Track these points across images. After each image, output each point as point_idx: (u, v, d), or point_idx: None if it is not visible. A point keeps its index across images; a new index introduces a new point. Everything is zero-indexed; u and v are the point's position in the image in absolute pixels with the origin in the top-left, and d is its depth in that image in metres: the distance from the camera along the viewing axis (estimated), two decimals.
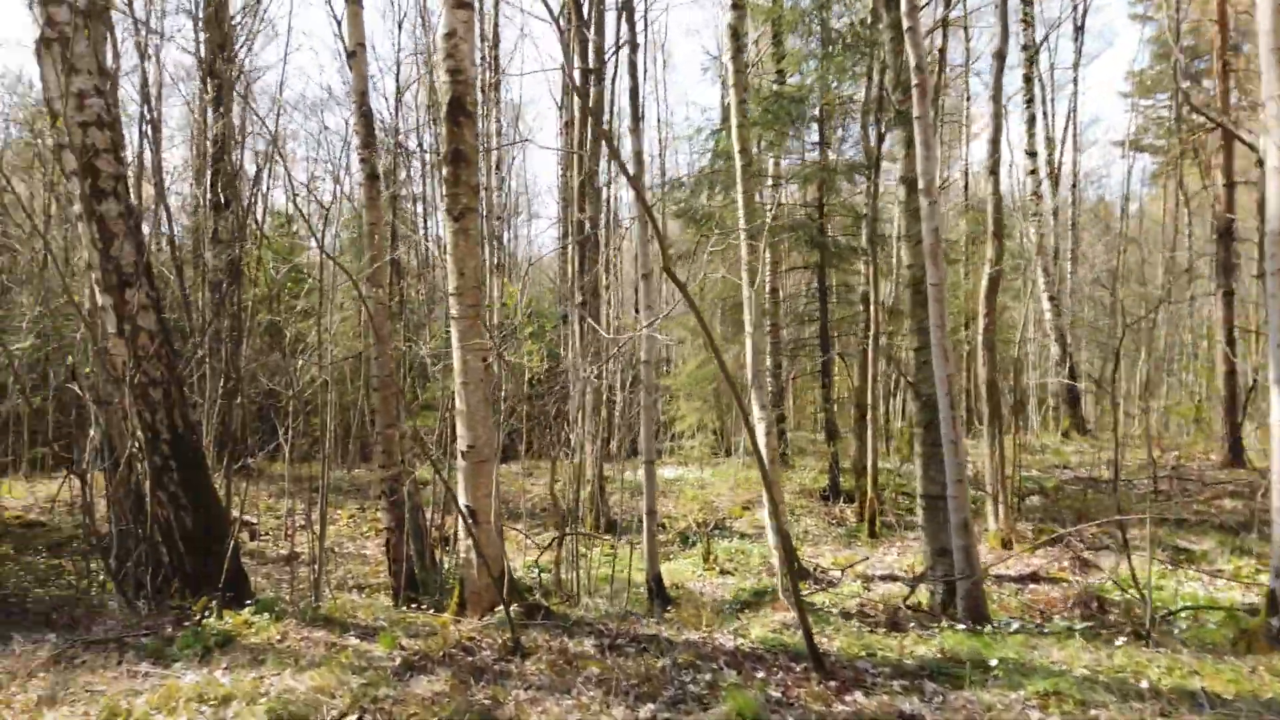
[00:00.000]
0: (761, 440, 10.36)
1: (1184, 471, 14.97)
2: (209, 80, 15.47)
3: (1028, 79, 22.34)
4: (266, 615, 5.84)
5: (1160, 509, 12.03)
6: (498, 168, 23.68)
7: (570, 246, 16.31)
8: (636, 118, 8.66)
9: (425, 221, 25.57)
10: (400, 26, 30.42)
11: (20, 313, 11.43)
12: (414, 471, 8.71)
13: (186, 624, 5.78)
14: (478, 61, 15.21)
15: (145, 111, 13.71)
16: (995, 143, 12.81)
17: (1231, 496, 13.01)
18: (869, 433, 12.82)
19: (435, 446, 9.71)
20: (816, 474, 15.94)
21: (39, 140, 15.73)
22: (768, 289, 15.48)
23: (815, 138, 17.20)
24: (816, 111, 16.39)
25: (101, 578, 7.28)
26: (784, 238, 15.67)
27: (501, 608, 6.00)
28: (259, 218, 16.76)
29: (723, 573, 10.76)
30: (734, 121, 11.07)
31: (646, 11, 23.02)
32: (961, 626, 5.89)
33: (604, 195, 19.67)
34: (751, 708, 4.07)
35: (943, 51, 18.58)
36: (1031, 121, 22.91)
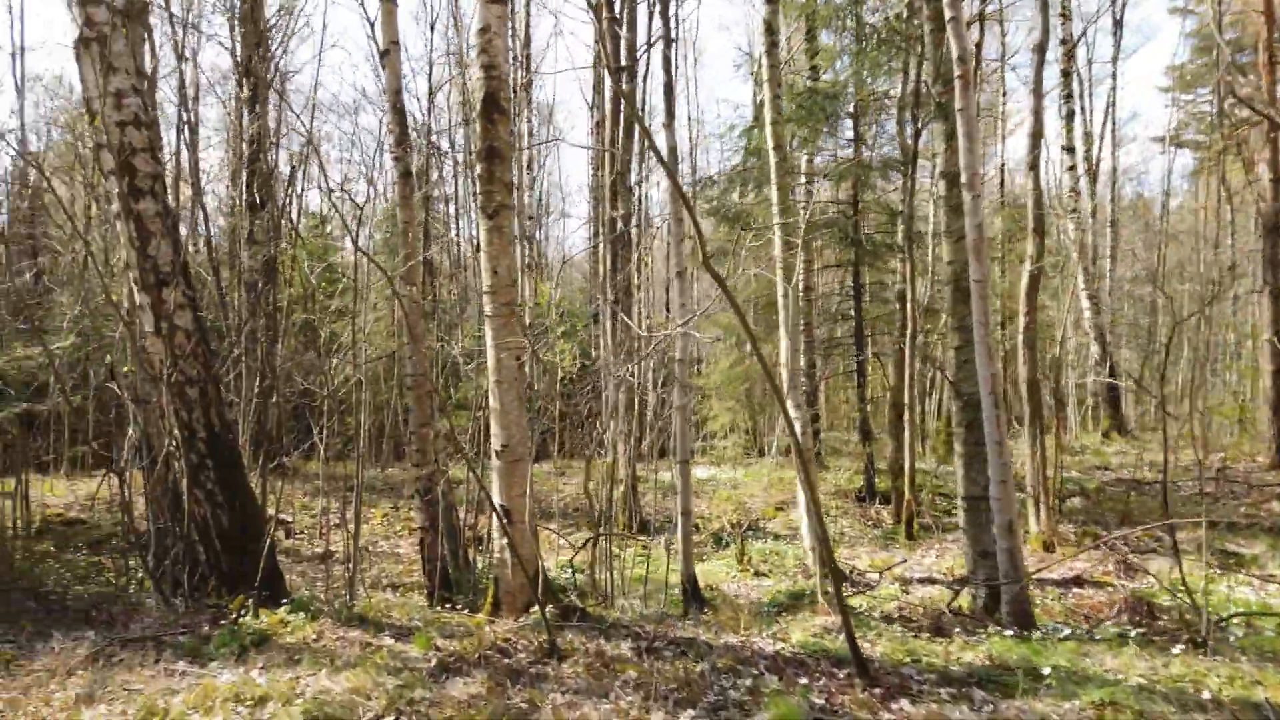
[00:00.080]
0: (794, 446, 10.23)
1: (1230, 473, 14.59)
2: (245, 80, 15.60)
3: (1066, 74, 21.94)
4: (302, 614, 5.82)
5: (1211, 512, 11.72)
6: (529, 167, 23.74)
7: (602, 245, 16.25)
8: (670, 114, 8.56)
9: (457, 222, 25.69)
10: (433, 28, 30.58)
11: (61, 312, 11.60)
12: (448, 471, 8.68)
13: (223, 622, 5.79)
14: (509, 60, 15.22)
15: (183, 113, 13.86)
16: (1036, 137, 12.55)
17: None
18: (906, 433, 12.61)
19: (469, 445, 9.69)
20: (851, 474, 15.75)
21: (79, 143, 15.97)
22: (801, 287, 15.31)
23: (849, 134, 17.00)
24: (851, 107, 16.20)
25: (140, 575, 7.33)
26: (818, 235, 15.48)
27: (536, 608, 5.93)
28: (293, 218, 16.89)
29: (757, 574, 10.63)
30: (768, 118, 10.94)
31: (678, 8, 22.90)
32: (1009, 632, 5.72)
33: (635, 194, 19.60)
34: (795, 715, 3.96)
35: (979, 46, 18.26)
36: (1070, 117, 22.50)
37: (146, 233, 6.36)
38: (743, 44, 39.71)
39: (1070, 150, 22.42)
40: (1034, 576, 8.45)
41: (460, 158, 23.61)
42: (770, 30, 11.22)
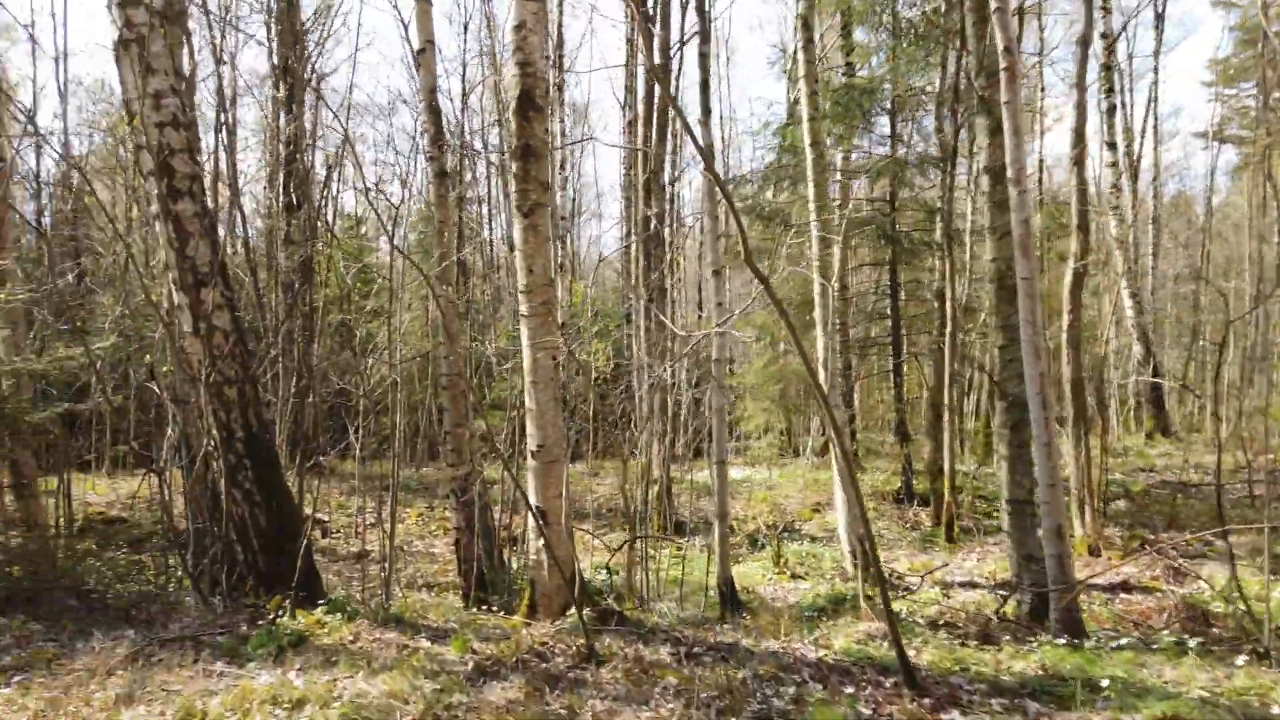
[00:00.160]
0: (835, 445, 10.07)
1: None
2: (282, 81, 15.73)
3: (1107, 68, 21.48)
4: (339, 615, 5.80)
5: (1273, 516, 11.38)
6: (561, 167, 23.72)
7: (635, 244, 16.16)
8: (707, 110, 8.44)
9: (490, 222, 25.77)
10: (466, 28, 30.67)
11: (102, 313, 11.75)
12: (483, 471, 8.64)
13: (260, 623, 5.78)
14: (545, 58, 15.16)
15: (221, 115, 13.98)
16: (1079, 132, 12.26)
17: None
18: (945, 434, 12.38)
19: (503, 446, 9.65)
20: (888, 475, 15.52)
21: (121, 146, 16.20)
22: (837, 286, 15.13)
23: (884, 131, 16.77)
24: (887, 104, 15.97)
25: (179, 573, 7.36)
26: (855, 233, 15.28)
27: (573, 611, 5.86)
28: (329, 219, 17.00)
29: (794, 577, 10.48)
30: (805, 114, 10.79)
31: (711, 5, 22.74)
32: (1060, 641, 5.53)
33: (668, 193, 19.50)
34: None
35: (1018, 41, 17.94)
36: (1111, 111, 22.04)
37: (185, 233, 6.38)
38: (775, 43, 39.44)
39: (1112, 146, 21.97)
40: (1079, 581, 8.23)
41: (493, 158, 23.67)
42: (807, 26, 11.08)
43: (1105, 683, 4.35)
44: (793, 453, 19.50)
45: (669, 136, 17.09)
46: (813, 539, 12.50)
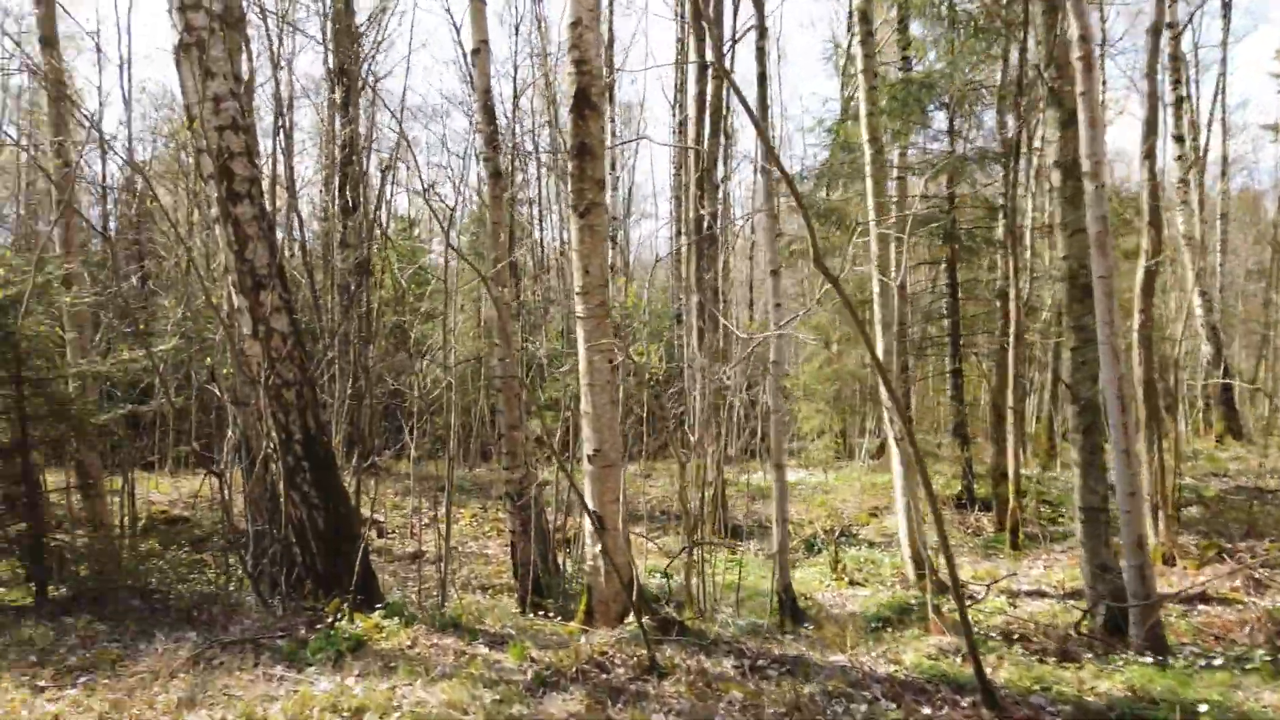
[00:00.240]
0: (895, 447, 9.81)
1: None
2: (338, 84, 15.90)
3: (1173, 58, 20.74)
4: (396, 619, 5.77)
5: None
6: (612, 168, 23.67)
7: (686, 244, 16.01)
8: (764, 105, 8.28)
9: (540, 223, 25.81)
10: (517, 29, 30.66)
11: (165, 315, 11.97)
12: (539, 475, 8.58)
13: (319, 626, 5.76)
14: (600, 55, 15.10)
15: (278, 120, 14.18)
16: (1151, 124, 11.80)
17: None
18: (1010, 437, 12.01)
19: (558, 448, 9.59)
20: (948, 479, 15.13)
21: (182, 151, 16.52)
22: (896, 285, 14.81)
23: (939, 126, 16.37)
24: (944, 99, 15.58)
25: (239, 573, 7.41)
26: (913, 232, 14.94)
27: (630, 618, 5.74)
28: (383, 221, 17.15)
29: (852, 583, 10.25)
30: (863, 110, 10.56)
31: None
32: (1148, 659, 5.25)
33: (720, 192, 19.30)
34: None
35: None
36: (1179, 104, 21.26)
37: (244, 236, 6.40)
38: (828, 38, 38.94)
39: (1179, 139, 21.21)
40: (1161, 594, 7.88)
41: (543, 158, 23.72)
42: (865, 20, 10.84)
43: (1203, 708, 4.09)
44: (847, 455, 19.17)
45: (721, 135, 16.89)
46: (871, 544, 12.24)
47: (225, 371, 8.21)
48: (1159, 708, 4.15)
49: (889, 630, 6.95)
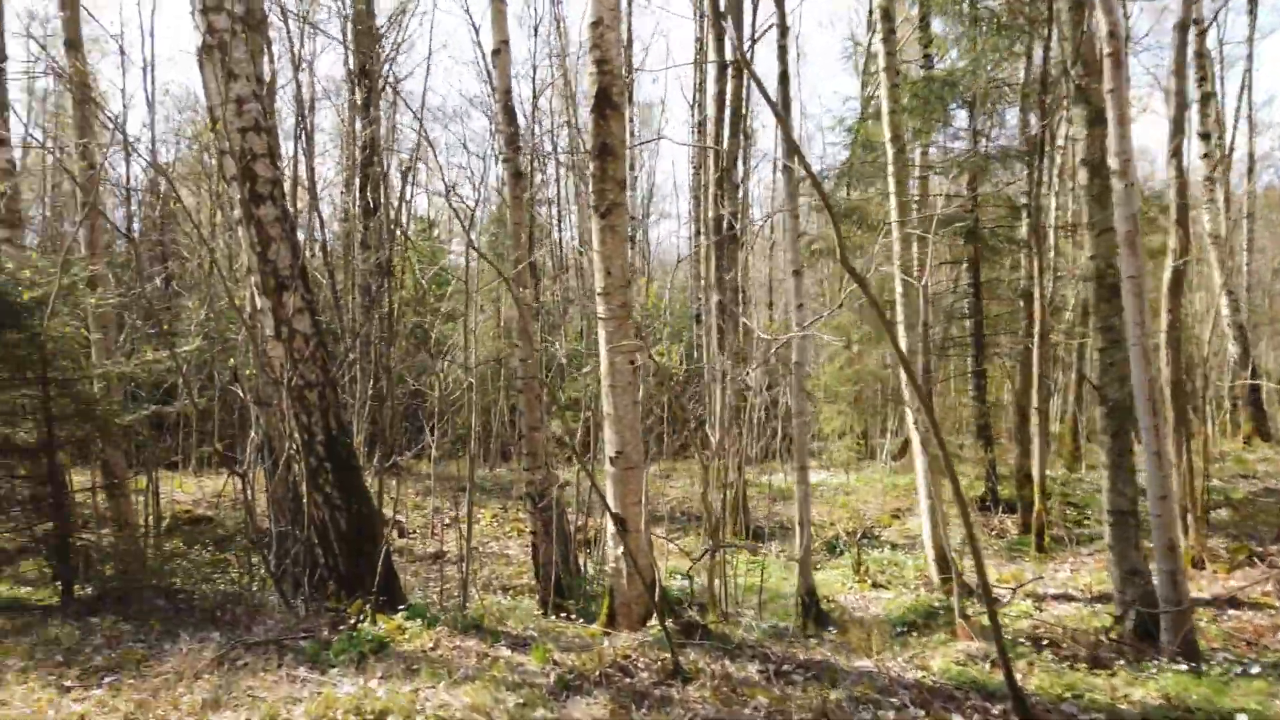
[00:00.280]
0: (919, 448, 9.71)
1: None
2: (359, 85, 15.96)
3: (1199, 55, 20.45)
4: (419, 621, 5.75)
5: None
6: (631, 168, 23.64)
7: (704, 244, 15.94)
8: (786, 104, 8.21)
9: (559, 224, 25.83)
10: (535, 31, 30.68)
11: (188, 316, 12.07)
12: (559, 476, 8.56)
13: (341, 627, 5.76)
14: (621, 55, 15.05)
15: (299, 121, 14.24)
16: (1177, 122, 11.63)
17: None
18: (1036, 439, 11.87)
19: (578, 448, 9.56)
20: (971, 480, 14.98)
21: (205, 153, 16.65)
22: (921, 285, 14.69)
23: (960, 124, 16.22)
24: (966, 97, 15.43)
25: (262, 573, 7.44)
26: (939, 231, 14.81)
27: (653, 621, 5.70)
28: (404, 222, 17.20)
29: (875, 585, 10.16)
30: (885, 108, 10.47)
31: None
32: (1183, 667, 5.15)
33: (739, 191, 19.21)
34: None
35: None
36: (1205, 100, 20.96)
37: (267, 237, 6.41)
38: (848, 36, 38.70)
39: (1205, 137, 20.90)
40: (1193, 599, 7.75)
41: (563, 159, 23.73)
42: (887, 17, 10.75)
43: (1241, 717, 4.00)
44: (868, 456, 19.04)
45: (740, 134, 16.79)
46: (893, 546, 12.14)
47: (248, 372, 8.25)
48: (1195, 716, 4.07)
49: (915, 634, 6.87)
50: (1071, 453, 17.69)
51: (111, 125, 9.49)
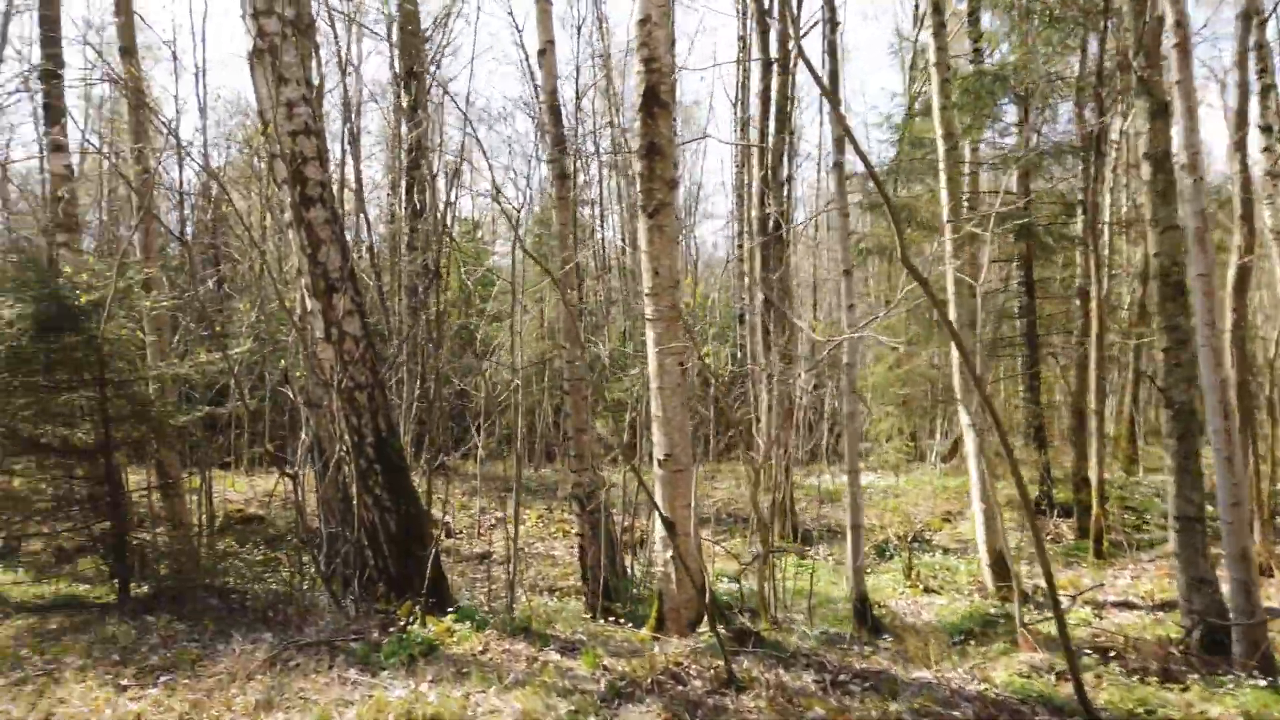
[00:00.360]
0: (973, 449, 9.49)
1: None
2: (405, 88, 16.08)
3: (1260, 46, 19.76)
4: (468, 624, 5.73)
5: None
6: (674, 167, 23.51)
7: (754, 243, 15.77)
8: (835, 101, 8.07)
9: (602, 223, 25.83)
10: (579, 30, 30.61)
11: (240, 318, 12.23)
12: (607, 479, 8.51)
13: (391, 629, 5.75)
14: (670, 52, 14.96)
15: (346, 125, 14.40)
16: (1241, 114, 11.39)
17: None
18: (1093, 441, 11.54)
19: (623, 449, 9.51)
20: (1025, 483, 14.65)
21: (255, 157, 16.90)
22: (979, 285, 14.39)
23: (1009, 119, 15.86)
24: (1018, 91, 15.07)
25: (312, 573, 7.48)
26: (988, 229, 14.50)
27: (703, 626, 5.62)
28: (449, 223, 17.30)
29: (927, 590, 9.95)
30: (936, 103, 10.27)
31: None
32: (1262, 682, 4.92)
33: (785, 190, 19.01)
34: None
35: (1160, 20, 16.68)
36: (1265, 92, 20.22)
37: (317, 240, 6.44)
38: (891, 32, 38.15)
39: (1267, 130, 20.22)
40: (1268, 610, 7.45)
41: (603, 158, 23.70)
42: (938, 10, 10.53)
43: None
44: (918, 458, 18.72)
45: (786, 131, 16.59)
46: (945, 550, 11.90)
47: (298, 374, 8.31)
48: None
49: (972, 643, 6.68)
50: (1129, 455, 17.21)
51: (165, 130, 9.64)
